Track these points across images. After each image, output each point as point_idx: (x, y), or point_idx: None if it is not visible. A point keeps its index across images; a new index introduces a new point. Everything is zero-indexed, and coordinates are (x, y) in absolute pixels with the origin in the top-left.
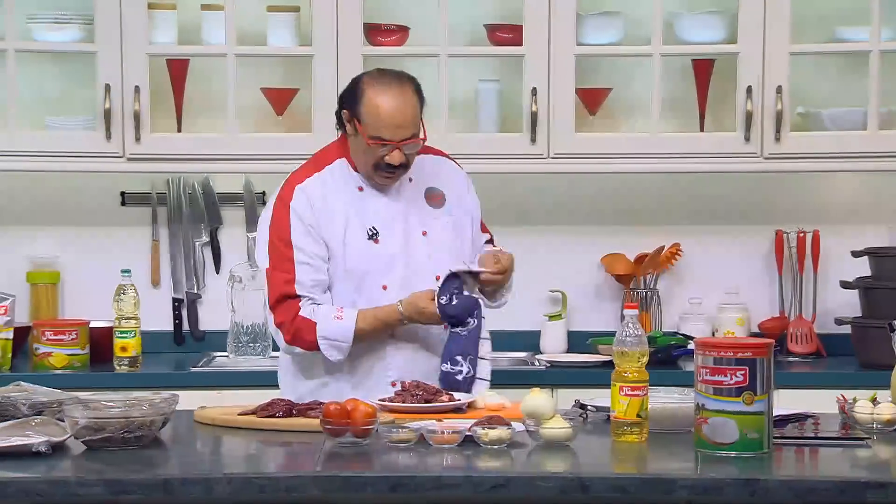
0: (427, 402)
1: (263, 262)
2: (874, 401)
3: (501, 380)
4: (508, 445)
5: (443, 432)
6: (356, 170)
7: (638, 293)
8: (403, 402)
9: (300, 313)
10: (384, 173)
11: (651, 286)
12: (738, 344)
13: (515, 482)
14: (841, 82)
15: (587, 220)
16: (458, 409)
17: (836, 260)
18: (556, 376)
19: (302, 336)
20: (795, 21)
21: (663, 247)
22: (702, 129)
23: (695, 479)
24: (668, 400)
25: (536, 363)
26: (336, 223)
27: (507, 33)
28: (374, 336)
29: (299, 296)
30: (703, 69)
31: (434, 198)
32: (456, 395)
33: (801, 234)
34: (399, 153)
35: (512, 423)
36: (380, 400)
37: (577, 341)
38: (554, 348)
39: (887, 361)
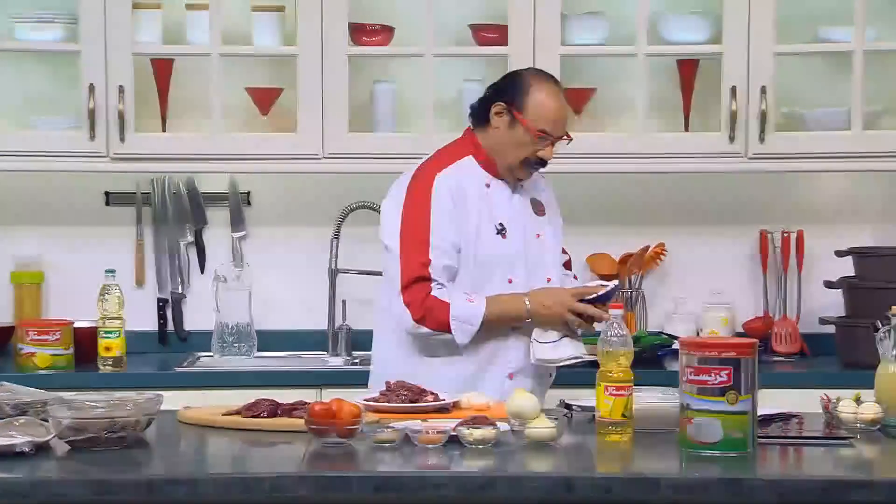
0: (412, 401)
1: (394, 242)
2: (858, 400)
3: None
4: (493, 445)
5: (427, 432)
6: (483, 167)
7: (623, 293)
8: (388, 402)
9: (432, 293)
10: (531, 168)
11: (636, 286)
12: (723, 344)
13: (500, 482)
14: (825, 82)
15: (572, 220)
16: (442, 409)
17: (821, 260)
18: None
19: (434, 315)
20: (780, 21)
21: (648, 247)
22: (686, 130)
23: (679, 478)
24: (652, 399)
25: None
26: (471, 215)
27: (491, 33)
28: (496, 325)
29: (432, 279)
30: (687, 69)
31: (537, 207)
32: (442, 394)
33: (786, 235)
34: (552, 149)
35: (497, 422)
36: (364, 400)
37: None
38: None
39: (871, 361)
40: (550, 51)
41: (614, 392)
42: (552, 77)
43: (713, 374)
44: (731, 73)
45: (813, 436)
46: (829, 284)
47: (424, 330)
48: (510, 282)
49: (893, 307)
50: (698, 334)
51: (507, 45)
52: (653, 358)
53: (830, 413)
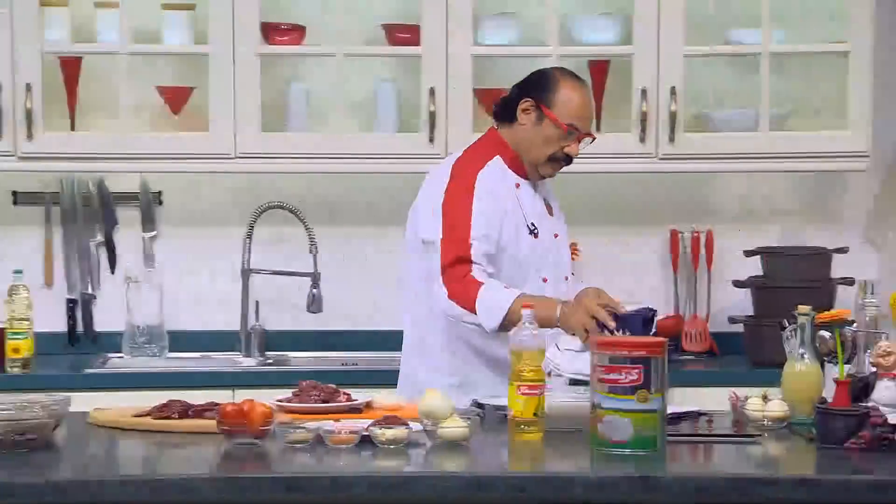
0: (324, 402)
1: (435, 233)
2: (765, 398)
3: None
4: (405, 445)
5: (340, 432)
6: (511, 167)
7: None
8: (300, 403)
9: (471, 273)
10: (555, 165)
11: None
12: (633, 343)
13: (412, 482)
14: (734, 84)
15: None
16: (355, 409)
17: (730, 259)
18: None
19: (468, 293)
20: (689, 24)
21: None
22: (598, 130)
23: (590, 476)
24: (564, 398)
25: None
26: (507, 214)
27: (404, 33)
28: None
29: (472, 260)
30: (598, 70)
31: (549, 208)
32: (355, 393)
33: (696, 234)
34: (578, 146)
35: (409, 422)
36: (277, 400)
37: None
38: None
39: (779, 360)
40: (463, 51)
41: (526, 391)
42: (578, 75)
43: (624, 373)
44: (642, 75)
45: (721, 434)
46: (737, 284)
47: (457, 310)
48: (545, 280)
49: (800, 306)
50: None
51: (419, 45)
52: None
53: (738, 411)
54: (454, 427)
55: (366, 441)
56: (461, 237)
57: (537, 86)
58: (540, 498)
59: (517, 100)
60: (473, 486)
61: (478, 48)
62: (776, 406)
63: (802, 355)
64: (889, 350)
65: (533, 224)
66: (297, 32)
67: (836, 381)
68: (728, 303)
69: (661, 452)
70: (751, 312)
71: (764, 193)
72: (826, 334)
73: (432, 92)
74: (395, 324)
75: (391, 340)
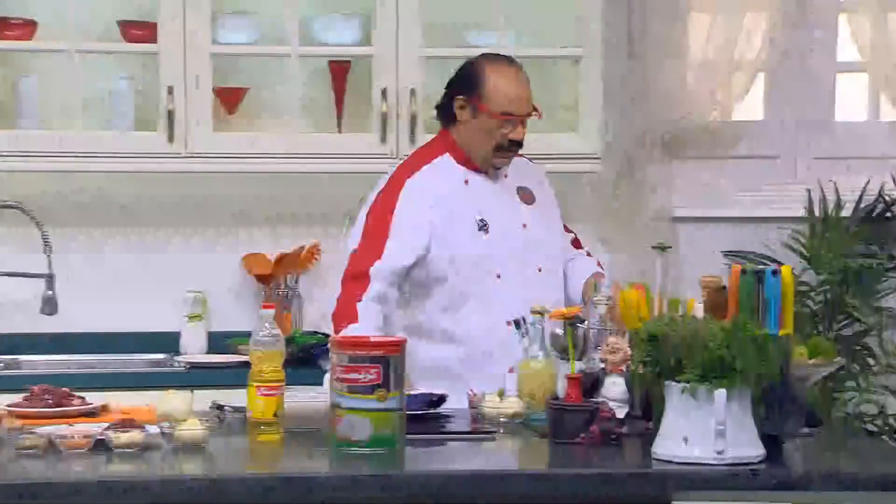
0: (56, 405)
1: (353, 244)
2: (501, 395)
3: (138, 382)
4: (142, 449)
5: (73, 437)
6: (460, 163)
7: (279, 293)
8: (31, 407)
9: (359, 300)
10: (505, 154)
11: (292, 286)
12: (372, 342)
13: (148, 485)
14: None
15: (227, 221)
16: (90, 413)
17: None
18: (195, 377)
19: (340, 320)
20: (427, 26)
21: (303, 246)
22: (339, 130)
23: (328, 476)
24: (304, 398)
25: (175, 364)
26: (445, 215)
27: (141, 30)
28: None
29: (370, 281)
30: (339, 71)
31: (525, 195)
32: (90, 397)
33: None
34: (521, 129)
35: (146, 425)
36: (7, 406)
37: (217, 342)
38: (193, 349)
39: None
40: (201, 50)
41: (266, 392)
42: (506, 57)
43: (363, 373)
44: (382, 76)
45: (459, 431)
46: None
47: (332, 327)
48: (498, 276)
49: (533, 304)
50: None
51: (157, 42)
52: (308, 357)
53: (476, 408)
54: (192, 429)
55: (101, 445)
56: (372, 249)
57: (465, 81)
58: (278, 499)
59: (451, 99)
60: (210, 489)
61: (216, 47)
62: (511, 403)
63: (536, 353)
64: (617, 347)
65: (483, 220)
66: (27, 27)
67: (568, 378)
68: None
69: (400, 451)
70: None
71: None
72: (559, 332)
73: (171, 90)
74: (135, 326)
75: (129, 343)
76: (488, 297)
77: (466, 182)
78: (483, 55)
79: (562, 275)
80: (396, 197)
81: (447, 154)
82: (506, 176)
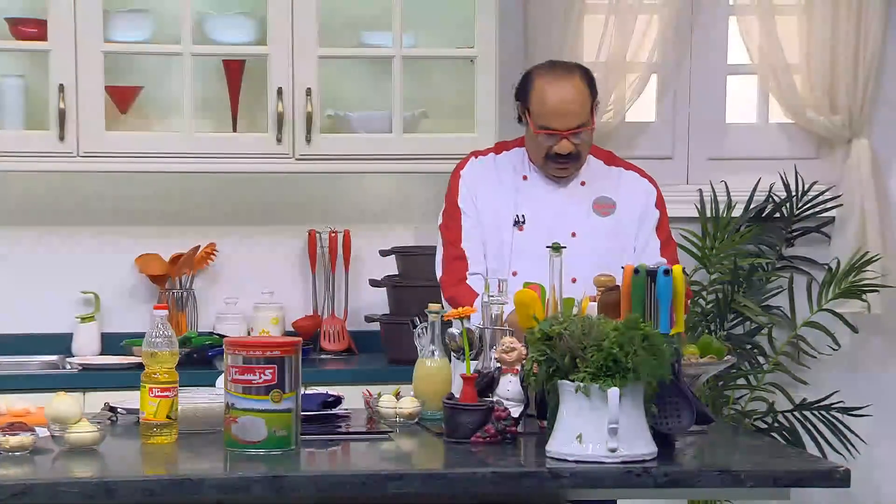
0: None
1: (440, 222)
2: (397, 395)
3: (30, 384)
4: (32, 452)
5: None
6: (531, 160)
7: (174, 294)
8: None
9: (467, 274)
10: (556, 164)
11: (187, 286)
12: (266, 343)
13: (37, 489)
14: (368, 86)
15: (120, 220)
16: None
17: (367, 259)
18: (88, 379)
19: (459, 302)
20: (323, 26)
21: (199, 247)
22: (234, 130)
23: (223, 478)
24: (199, 400)
25: (68, 366)
26: (490, 202)
27: (31, 27)
28: None
29: (467, 258)
30: (234, 70)
31: (602, 206)
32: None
33: (333, 234)
34: (567, 143)
35: (36, 428)
36: None
37: (111, 343)
38: (86, 350)
39: (414, 357)
40: (93, 47)
41: (159, 393)
42: (564, 66)
43: (258, 374)
44: (277, 75)
45: (355, 431)
46: (373, 283)
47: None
48: (514, 274)
49: (430, 304)
50: (249, 334)
51: (47, 40)
52: (203, 358)
53: (371, 408)
54: (83, 432)
55: None
56: (454, 228)
57: (520, 86)
58: (171, 501)
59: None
60: (101, 492)
61: (109, 45)
62: (407, 402)
63: (433, 352)
64: (512, 346)
65: (522, 216)
66: None
67: (463, 377)
68: (365, 302)
69: (295, 452)
70: (387, 311)
71: (399, 194)
72: (455, 331)
73: (62, 89)
74: (26, 327)
75: (20, 344)
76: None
77: (525, 178)
78: (545, 62)
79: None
80: (458, 176)
81: (523, 148)
82: (583, 183)
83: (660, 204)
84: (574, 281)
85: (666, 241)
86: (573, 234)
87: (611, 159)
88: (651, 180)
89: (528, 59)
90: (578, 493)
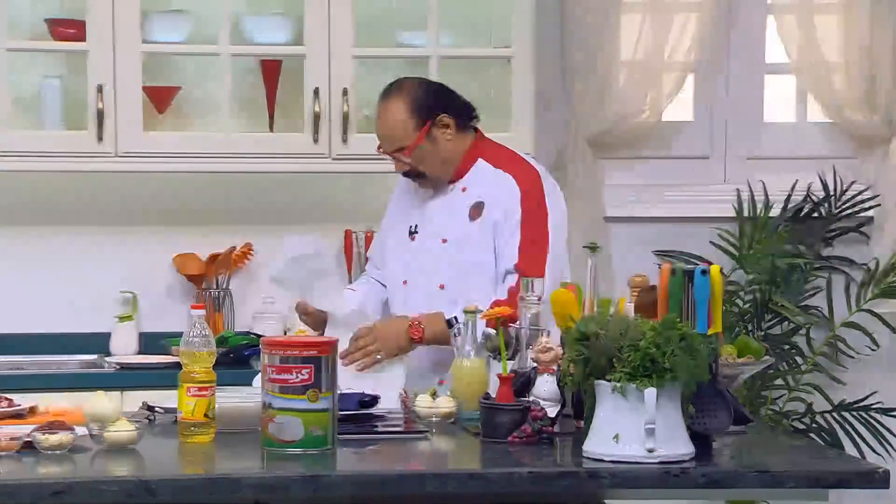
0: None
1: None
2: (434, 395)
3: (68, 383)
4: (71, 450)
5: (1, 439)
6: None
7: (211, 293)
8: None
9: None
10: (413, 177)
11: (224, 286)
12: (304, 342)
13: (77, 487)
14: None
15: (158, 220)
16: (18, 415)
17: None
18: (126, 378)
19: None
20: (359, 25)
21: (235, 247)
22: (271, 130)
23: (260, 477)
24: (236, 399)
25: (106, 365)
26: (397, 215)
27: (70, 28)
28: None
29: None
30: (270, 70)
31: (474, 210)
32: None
33: (369, 234)
34: (398, 163)
35: (75, 427)
36: None
37: (149, 343)
38: (125, 350)
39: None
40: (132, 48)
41: (196, 393)
42: (387, 89)
43: (294, 373)
44: (314, 75)
45: (392, 430)
46: None
47: None
48: (405, 283)
49: (466, 304)
50: (286, 333)
51: (86, 41)
52: (240, 358)
53: (408, 408)
54: (121, 431)
55: (29, 447)
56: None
57: None
58: (209, 500)
59: None
60: (141, 491)
61: (147, 46)
62: (444, 402)
63: (469, 352)
64: (548, 346)
65: (414, 226)
66: None
67: (500, 377)
68: None
69: (332, 451)
70: None
71: None
72: (491, 331)
73: (100, 89)
74: (65, 327)
75: (59, 344)
76: (397, 302)
77: (416, 189)
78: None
79: (471, 297)
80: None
81: None
82: (463, 189)
83: (526, 202)
84: (442, 287)
85: (529, 243)
86: (444, 241)
87: (498, 161)
88: (523, 178)
89: (566, 58)
90: (615, 493)
